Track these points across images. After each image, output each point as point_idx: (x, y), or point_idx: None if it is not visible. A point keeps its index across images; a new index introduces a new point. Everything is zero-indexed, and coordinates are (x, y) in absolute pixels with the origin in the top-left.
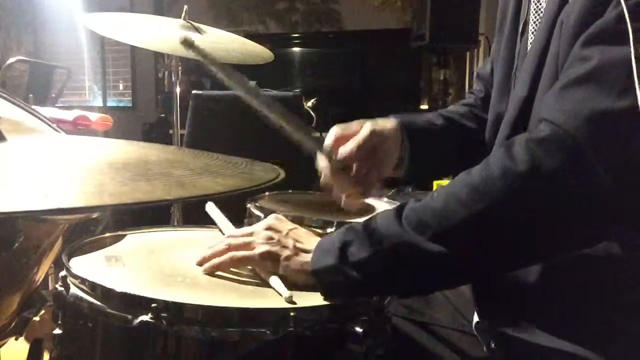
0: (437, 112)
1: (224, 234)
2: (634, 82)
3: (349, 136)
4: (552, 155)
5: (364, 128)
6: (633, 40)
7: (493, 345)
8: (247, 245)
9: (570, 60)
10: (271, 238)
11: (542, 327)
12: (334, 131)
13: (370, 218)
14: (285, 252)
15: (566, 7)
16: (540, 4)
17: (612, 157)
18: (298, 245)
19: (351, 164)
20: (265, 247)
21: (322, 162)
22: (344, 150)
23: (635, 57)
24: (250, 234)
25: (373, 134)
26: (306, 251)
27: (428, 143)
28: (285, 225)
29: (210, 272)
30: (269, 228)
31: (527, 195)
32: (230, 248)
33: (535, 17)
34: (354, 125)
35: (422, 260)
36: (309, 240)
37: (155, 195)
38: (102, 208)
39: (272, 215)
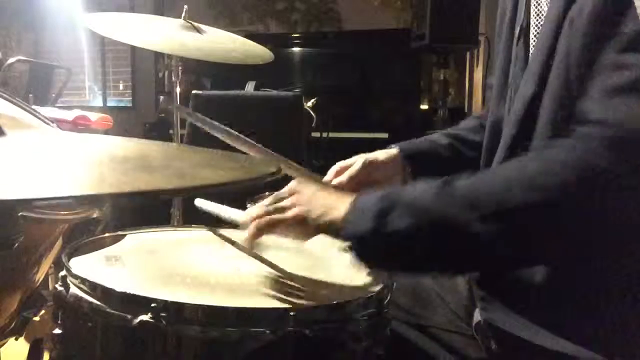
0: (443, 131)
1: (225, 221)
2: None
3: (346, 169)
4: (629, 156)
5: (357, 160)
6: None
7: (494, 346)
8: (279, 211)
9: (605, 65)
10: (298, 201)
11: (546, 327)
12: (334, 167)
13: (407, 187)
14: (316, 212)
15: (574, 6)
16: (541, 7)
17: None
18: (327, 202)
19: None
20: (295, 210)
21: None
22: (337, 181)
23: None
24: (279, 201)
25: (365, 165)
26: (337, 209)
27: (432, 165)
28: (309, 187)
29: (252, 241)
30: (293, 192)
31: (598, 190)
32: (265, 213)
33: (537, 20)
34: (352, 159)
35: (466, 238)
36: (337, 198)
37: (155, 184)
38: (102, 198)
39: (294, 181)
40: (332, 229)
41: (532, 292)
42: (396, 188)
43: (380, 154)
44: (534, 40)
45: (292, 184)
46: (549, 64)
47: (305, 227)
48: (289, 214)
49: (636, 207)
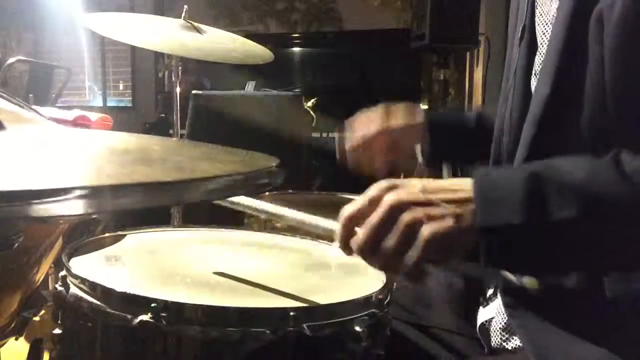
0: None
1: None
2: None
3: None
4: None
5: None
6: None
7: (520, 343)
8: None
9: None
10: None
11: (580, 334)
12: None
13: (548, 166)
14: (448, 222)
15: (601, 2)
16: (545, 7)
17: None
18: (444, 187)
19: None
20: (446, 215)
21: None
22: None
23: None
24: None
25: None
26: (461, 192)
27: (452, 133)
28: (407, 181)
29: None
30: (397, 206)
31: None
32: (390, 254)
33: (542, 19)
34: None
35: None
36: (448, 181)
37: (154, 176)
38: (100, 190)
39: (379, 187)
40: (465, 221)
41: (564, 299)
42: (531, 165)
43: (400, 116)
44: (542, 40)
45: (375, 189)
46: (565, 64)
47: (458, 229)
48: (424, 238)
49: None
